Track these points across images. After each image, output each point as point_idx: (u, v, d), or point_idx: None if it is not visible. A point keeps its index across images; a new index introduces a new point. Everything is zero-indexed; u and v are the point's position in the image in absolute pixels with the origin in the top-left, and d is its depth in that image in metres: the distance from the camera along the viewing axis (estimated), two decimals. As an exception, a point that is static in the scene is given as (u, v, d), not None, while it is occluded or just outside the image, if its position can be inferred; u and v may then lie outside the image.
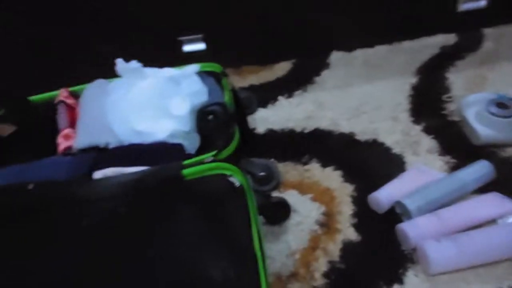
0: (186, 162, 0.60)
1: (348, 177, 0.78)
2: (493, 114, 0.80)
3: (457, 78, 1.00)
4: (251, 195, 0.56)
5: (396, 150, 0.83)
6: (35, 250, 0.54)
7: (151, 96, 0.74)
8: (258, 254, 0.49)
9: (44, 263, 0.52)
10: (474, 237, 0.61)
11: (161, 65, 0.81)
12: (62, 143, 0.72)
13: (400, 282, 0.60)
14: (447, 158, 0.79)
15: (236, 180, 0.57)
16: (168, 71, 0.80)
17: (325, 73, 1.08)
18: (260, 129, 0.93)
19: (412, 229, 0.63)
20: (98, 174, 0.62)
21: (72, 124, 0.76)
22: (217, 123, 0.73)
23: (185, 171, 0.58)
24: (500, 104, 0.81)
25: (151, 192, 0.57)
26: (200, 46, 1.12)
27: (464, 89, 0.96)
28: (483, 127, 0.80)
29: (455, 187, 0.69)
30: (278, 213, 0.70)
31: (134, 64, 0.77)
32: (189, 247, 0.51)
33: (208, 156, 0.62)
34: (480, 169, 0.72)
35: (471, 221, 0.65)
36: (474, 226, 0.65)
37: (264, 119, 0.95)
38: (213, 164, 0.59)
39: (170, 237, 0.52)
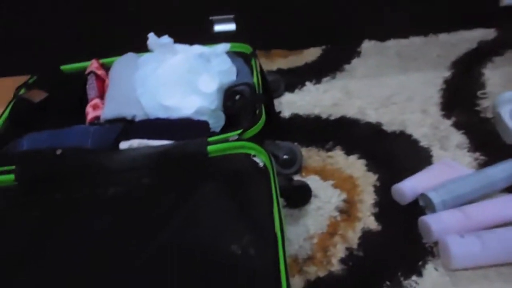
0: (211, 139, 0.60)
1: (372, 166, 0.77)
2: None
3: (493, 74, 0.96)
4: (274, 176, 0.56)
5: (423, 143, 0.81)
6: (60, 215, 0.55)
7: (180, 72, 0.74)
8: (279, 234, 0.49)
9: (68, 229, 0.53)
10: (499, 234, 0.60)
11: (191, 43, 0.81)
12: (90, 113, 0.73)
13: (419, 274, 0.59)
14: (477, 154, 0.77)
15: (260, 160, 0.58)
16: (198, 48, 0.80)
17: (355, 61, 1.06)
18: (286, 113, 0.92)
19: (435, 222, 0.62)
20: (124, 145, 0.63)
21: (101, 94, 0.77)
22: (244, 103, 0.73)
23: (210, 148, 0.58)
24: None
25: (175, 165, 0.58)
26: (231, 26, 1.11)
27: (501, 86, 0.92)
28: (517, 126, 0.77)
29: (483, 184, 0.67)
30: (299, 196, 0.70)
31: (165, 39, 0.77)
32: (210, 222, 0.52)
33: (233, 134, 0.62)
34: (510, 168, 0.69)
35: (498, 219, 0.63)
36: (500, 225, 0.63)
37: (291, 104, 0.95)
38: (238, 143, 0.59)
39: (192, 210, 0.53)
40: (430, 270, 0.60)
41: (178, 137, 0.62)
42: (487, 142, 0.79)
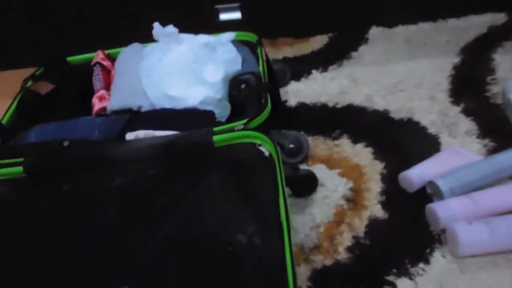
0: (217, 129, 0.60)
1: (379, 154, 0.76)
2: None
3: (503, 59, 0.94)
4: (280, 165, 0.56)
5: (431, 130, 0.80)
6: (67, 206, 0.55)
7: (186, 62, 0.74)
8: (284, 223, 0.49)
9: (75, 221, 0.54)
10: (508, 221, 0.59)
11: (196, 32, 0.81)
12: (96, 104, 0.73)
13: (426, 261, 0.59)
14: (486, 141, 0.76)
15: (266, 149, 0.57)
16: (203, 38, 0.80)
17: (362, 49, 1.05)
18: (292, 101, 0.92)
19: (443, 210, 0.61)
20: (130, 136, 0.64)
21: (107, 85, 0.77)
22: (249, 93, 0.73)
23: (215, 138, 0.58)
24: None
25: (181, 155, 0.58)
26: (236, 15, 1.10)
27: (511, 71, 0.91)
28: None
29: (492, 170, 0.66)
30: (305, 185, 0.70)
31: (170, 28, 0.77)
32: (216, 211, 0.52)
33: (239, 124, 0.62)
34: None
35: (507, 205, 0.62)
36: (509, 211, 0.62)
37: (297, 92, 0.94)
38: (244, 132, 0.59)
39: (197, 201, 0.53)
40: (437, 257, 0.59)
41: (183, 128, 0.62)
42: (496, 128, 0.78)
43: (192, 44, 0.78)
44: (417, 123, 0.82)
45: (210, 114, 0.67)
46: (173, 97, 0.71)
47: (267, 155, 0.57)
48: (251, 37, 0.87)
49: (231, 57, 0.77)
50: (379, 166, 0.74)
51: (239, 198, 0.53)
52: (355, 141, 0.80)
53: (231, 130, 0.60)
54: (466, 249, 0.58)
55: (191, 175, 0.56)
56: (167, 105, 0.70)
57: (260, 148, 0.58)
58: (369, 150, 0.78)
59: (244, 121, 0.63)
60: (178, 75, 0.74)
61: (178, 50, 0.77)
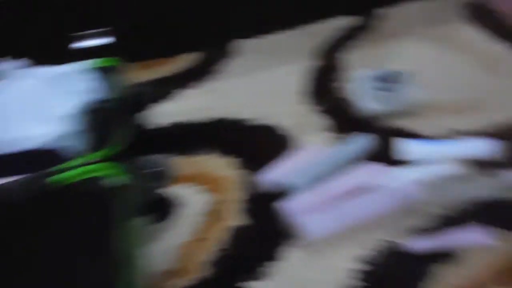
0: (63, 166, 0.58)
1: (244, 164, 0.79)
2: (377, 88, 0.85)
3: (353, 57, 1.03)
4: (131, 194, 0.55)
5: (292, 132, 0.85)
6: None
7: (35, 97, 0.71)
8: (130, 254, 0.49)
9: None
10: (349, 204, 0.66)
11: (60, 62, 0.77)
12: None
13: (283, 258, 0.63)
14: (340, 135, 0.83)
15: (116, 180, 0.56)
16: (56, 69, 0.77)
17: (227, 63, 1.07)
18: (160, 122, 0.91)
19: (292, 206, 0.66)
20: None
21: None
22: (106, 121, 0.71)
23: (59, 176, 0.56)
24: (384, 79, 0.86)
25: (17, 205, 0.55)
26: (103, 40, 1.08)
27: (358, 67, 0.99)
28: (369, 102, 0.85)
29: (336, 161, 0.73)
30: (163, 209, 0.70)
31: (20, 63, 0.73)
32: (58, 253, 0.51)
33: (90, 158, 0.61)
34: (360, 142, 0.76)
35: (350, 191, 0.68)
36: (355, 195, 0.68)
37: (164, 113, 0.94)
38: (92, 166, 0.58)
39: (37, 245, 0.51)
40: (292, 252, 0.64)
41: (25, 172, 0.59)
42: (347, 121, 0.85)
43: (44, 77, 0.74)
44: (279, 128, 0.86)
45: (55, 153, 0.65)
46: (16, 139, 0.67)
47: (117, 185, 0.56)
48: (111, 62, 0.85)
49: (85, 87, 0.75)
50: (243, 175, 0.77)
51: (78, 239, 0.52)
52: (221, 155, 0.82)
53: (77, 166, 0.58)
54: (313, 235, 0.64)
55: (31, 221, 0.53)
56: (13, 147, 0.66)
57: (109, 180, 0.57)
58: (234, 161, 0.80)
59: (96, 154, 0.61)
60: (25, 112, 0.70)
61: (27, 85, 0.73)
